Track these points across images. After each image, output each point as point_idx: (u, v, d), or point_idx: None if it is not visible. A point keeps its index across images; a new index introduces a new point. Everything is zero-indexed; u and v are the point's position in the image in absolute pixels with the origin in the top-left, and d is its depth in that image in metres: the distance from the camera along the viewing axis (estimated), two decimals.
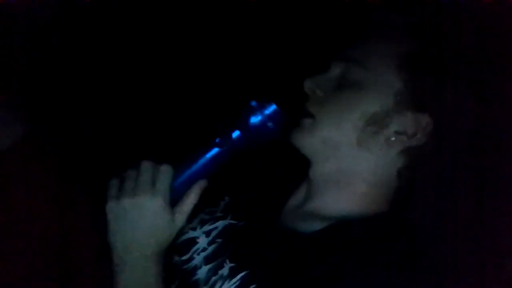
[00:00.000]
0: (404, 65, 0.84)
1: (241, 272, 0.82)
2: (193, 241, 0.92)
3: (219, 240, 0.90)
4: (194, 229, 0.94)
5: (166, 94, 1.58)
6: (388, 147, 0.84)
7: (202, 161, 0.85)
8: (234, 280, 0.82)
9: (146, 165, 0.82)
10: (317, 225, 0.83)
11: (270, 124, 0.85)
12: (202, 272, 0.88)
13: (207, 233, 0.92)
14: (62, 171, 1.17)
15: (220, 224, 0.92)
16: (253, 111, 0.86)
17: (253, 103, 0.86)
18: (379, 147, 0.84)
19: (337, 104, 0.85)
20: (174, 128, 1.56)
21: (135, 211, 0.79)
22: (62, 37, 1.28)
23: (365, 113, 0.83)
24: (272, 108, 0.86)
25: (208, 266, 0.88)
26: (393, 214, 0.84)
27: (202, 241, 0.91)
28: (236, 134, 0.86)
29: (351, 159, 0.84)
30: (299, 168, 0.90)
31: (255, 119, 0.85)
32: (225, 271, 0.84)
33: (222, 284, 0.83)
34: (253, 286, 0.80)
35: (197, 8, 1.55)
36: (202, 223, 0.94)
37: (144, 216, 0.80)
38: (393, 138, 0.83)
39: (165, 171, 0.82)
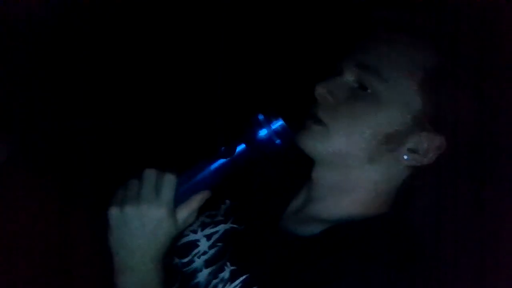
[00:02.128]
0: (427, 85, 0.81)
1: (242, 276, 0.82)
2: (193, 244, 0.92)
3: (219, 244, 0.90)
4: (195, 232, 0.93)
5: (170, 101, 1.58)
6: (398, 164, 0.83)
7: (206, 171, 0.84)
8: (235, 283, 0.82)
9: (149, 173, 0.81)
10: (317, 228, 0.83)
11: (277, 140, 0.83)
12: (203, 275, 0.88)
13: (208, 237, 0.92)
14: (52, 189, 1.17)
15: (221, 227, 0.92)
16: (260, 125, 0.83)
17: (260, 117, 0.84)
18: (390, 163, 0.83)
19: (352, 117, 0.82)
20: (178, 135, 1.56)
21: (137, 219, 0.79)
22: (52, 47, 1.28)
23: (381, 132, 0.81)
24: (279, 123, 0.83)
25: (209, 269, 0.87)
26: (393, 214, 0.84)
27: (203, 244, 0.91)
28: (241, 147, 0.84)
29: (359, 171, 0.83)
30: (300, 172, 0.90)
31: (261, 134, 0.83)
32: (225, 274, 0.84)
33: (223, 287, 0.83)
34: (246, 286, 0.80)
35: (202, 13, 1.55)
36: (203, 226, 0.94)
37: (147, 225, 0.79)
38: (405, 157, 0.82)
39: (169, 179, 0.81)
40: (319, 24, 1.45)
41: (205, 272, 0.88)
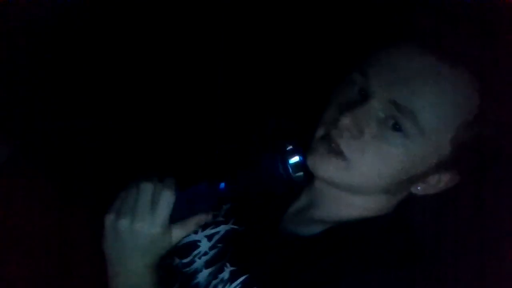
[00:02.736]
0: (462, 131, 0.74)
1: (241, 276, 0.82)
2: (194, 245, 0.92)
3: (220, 245, 0.90)
4: (195, 232, 0.93)
5: (170, 101, 1.58)
6: (408, 192, 0.81)
7: (206, 192, 0.82)
8: (235, 284, 0.82)
9: (146, 186, 0.78)
10: (318, 228, 0.82)
11: (298, 175, 0.81)
12: (203, 275, 0.88)
13: (209, 237, 0.92)
14: (53, 189, 1.17)
15: (222, 228, 0.92)
16: (285, 157, 0.81)
17: (289, 148, 0.81)
18: (402, 192, 0.81)
19: (377, 156, 0.76)
20: (178, 136, 1.56)
21: (131, 234, 0.77)
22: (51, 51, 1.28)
23: (404, 173, 0.77)
24: (296, 160, 0.80)
25: (209, 270, 0.87)
26: (393, 215, 0.84)
27: (204, 245, 0.91)
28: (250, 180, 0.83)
29: (369, 197, 0.81)
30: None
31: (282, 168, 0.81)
32: (225, 275, 0.84)
33: None
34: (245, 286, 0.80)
35: (203, 13, 1.55)
36: (204, 226, 0.93)
37: (140, 241, 0.78)
38: (419, 188, 0.79)
39: (166, 196, 0.78)
40: (330, 23, 1.43)
41: (205, 272, 0.88)
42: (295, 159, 0.81)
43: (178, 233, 0.80)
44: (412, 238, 0.81)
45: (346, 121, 0.75)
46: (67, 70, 1.41)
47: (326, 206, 0.85)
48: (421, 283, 0.77)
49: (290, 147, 0.82)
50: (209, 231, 0.92)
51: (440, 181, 0.79)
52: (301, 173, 0.81)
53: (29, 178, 1.16)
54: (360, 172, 0.77)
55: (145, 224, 0.77)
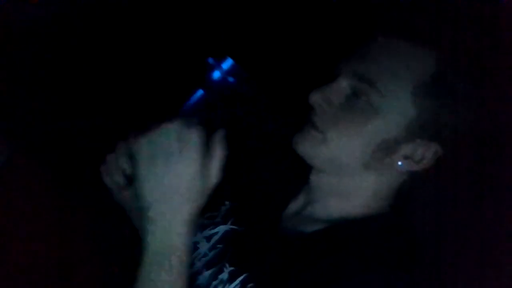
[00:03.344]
0: (421, 92, 0.80)
1: (240, 276, 0.82)
2: (193, 247, 0.92)
3: (219, 245, 0.90)
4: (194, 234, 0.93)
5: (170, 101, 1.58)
6: (393, 169, 0.83)
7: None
8: (234, 284, 0.82)
9: (169, 129, 0.76)
10: (317, 228, 0.83)
11: (230, 79, 0.84)
12: (204, 277, 0.88)
13: (208, 238, 0.92)
14: (53, 189, 1.17)
15: (220, 229, 0.92)
16: (211, 68, 0.84)
17: (210, 60, 0.84)
18: (385, 169, 0.83)
19: (347, 126, 0.82)
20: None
21: (172, 176, 0.74)
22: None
23: (375, 140, 0.81)
24: (229, 62, 0.84)
25: (209, 271, 0.87)
26: (393, 214, 0.84)
27: (203, 246, 0.91)
28: (199, 93, 0.84)
29: (355, 176, 0.83)
30: (299, 173, 0.90)
31: (214, 76, 0.84)
32: (224, 275, 0.84)
33: None
34: (251, 285, 0.80)
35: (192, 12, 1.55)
36: (202, 227, 0.93)
37: (183, 181, 0.74)
38: (400, 163, 0.82)
39: (193, 131, 0.76)
40: (313, 25, 1.44)
41: (206, 274, 0.88)
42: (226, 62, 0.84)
43: (214, 172, 0.77)
44: (412, 237, 0.81)
45: (314, 97, 0.83)
46: (67, 70, 1.41)
47: (323, 201, 0.86)
48: (421, 282, 0.77)
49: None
50: (207, 232, 0.93)
51: (416, 151, 0.81)
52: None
53: (29, 178, 1.16)
54: (335, 144, 0.82)
55: (184, 161, 0.74)
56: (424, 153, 0.81)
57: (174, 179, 0.74)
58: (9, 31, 1.15)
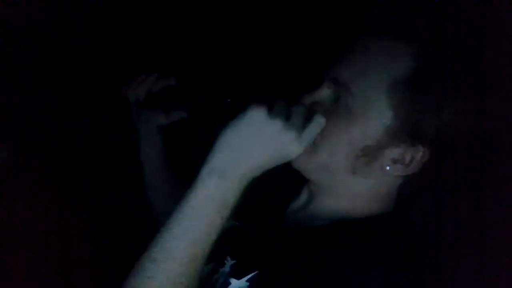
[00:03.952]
0: (396, 92, 0.76)
1: (242, 270, 0.82)
2: None
3: (221, 239, 0.90)
4: None
5: None
6: (383, 175, 0.81)
7: None
8: (235, 277, 0.82)
9: (300, 108, 0.79)
10: (319, 223, 0.83)
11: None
12: (204, 270, 0.88)
13: None
14: (53, 189, 1.17)
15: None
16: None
17: None
18: (375, 174, 0.81)
19: (330, 131, 0.80)
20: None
21: (275, 138, 0.76)
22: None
23: (357, 145, 0.79)
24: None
25: (210, 265, 0.88)
26: (393, 213, 0.84)
27: None
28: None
29: (346, 181, 0.82)
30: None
31: None
32: (226, 269, 0.84)
33: (223, 281, 0.83)
34: (254, 283, 0.80)
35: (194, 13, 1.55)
36: None
37: (279, 148, 0.77)
38: (388, 167, 0.79)
39: (320, 120, 0.78)
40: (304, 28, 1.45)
41: (206, 268, 0.88)
42: None
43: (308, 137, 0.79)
44: (413, 237, 0.81)
45: (301, 104, 0.81)
46: (67, 70, 1.41)
47: (323, 202, 0.85)
48: (421, 282, 0.77)
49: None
50: None
51: (403, 154, 0.78)
52: None
53: (29, 178, 1.16)
54: (323, 150, 0.80)
55: (293, 140, 0.76)
56: (412, 157, 0.78)
57: (278, 141, 0.76)
58: (9, 30, 1.15)
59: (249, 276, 0.80)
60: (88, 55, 1.47)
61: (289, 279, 0.76)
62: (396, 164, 0.79)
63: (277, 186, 0.95)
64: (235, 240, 0.88)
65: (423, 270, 0.78)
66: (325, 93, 0.82)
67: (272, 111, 0.76)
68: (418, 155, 0.78)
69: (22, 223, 1.12)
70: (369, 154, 0.79)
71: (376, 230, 0.80)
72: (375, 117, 0.77)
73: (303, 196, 0.90)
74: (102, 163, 1.48)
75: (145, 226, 0.95)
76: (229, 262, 0.84)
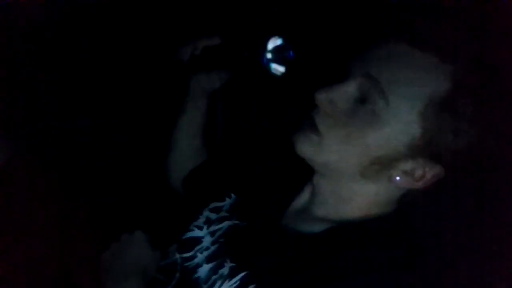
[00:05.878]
0: (430, 112, 0.74)
1: (240, 272, 0.82)
2: (197, 240, 0.92)
3: (222, 240, 0.90)
4: (200, 228, 0.93)
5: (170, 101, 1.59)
6: (390, 183, 0.79)
7: None
8: (234, 280, 0.81)
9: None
10: (319, 227, 0.82)
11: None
12: (203, 270, 0.88)
13: (212, 233, 0.92)
14: (53, 189, 1.17)
15: (225, 224, 0.92)
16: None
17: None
18: (382, 181, 0.79)
19: (346, 132, 0.77)
20: None
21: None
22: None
23: (374, 152, 0.77)
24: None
25: (210, 265, 0.87)
26: (394, 215, 0.84)
27: (206, 240, 0.91)
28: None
29: (352, 183, 0.81)
30: (304, 171, 0.89)
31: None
32: (225, 270, 0.84)
33: (222, 283, 0.82)
34: (252, 286, 0.80)
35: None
36: (209, 223, 0.94)
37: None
38: (398, 178, 0.78)
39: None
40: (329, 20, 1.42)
41: (206, 267, 0.88)
42: (275, 42, 0.83)
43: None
44: (414, 240, 0.81)
45: (320, 97, 0.78)
46: (68, 70, 1.41)
47: (324, 203, 0.85)
48: (421, 283, 0.77)
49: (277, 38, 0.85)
50: (213, 228, 0.93)
51: (416, 169, 0.77)
52: (281, 68, 0.83)
53: (29, 178, 1.16)
54: (331, 149, 0.78)
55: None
56: (424, 173, 0.77)
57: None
58: (10, 31, 1.15)
59: (239, 276, 0.81)
60: (88, 55, 1.47)
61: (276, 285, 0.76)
62: (406, 177, 0.78)
63: (279, 183, 0.95)
64: (235, 242, 0.88)
65: (423, 273, 0.78)
66: (351, 91, 0.78)
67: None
68: (431, 172, 0.77)
69: (22, 223, 1.12)
70: (384, 163, 0.77)
71: (377, 233, 0.80)
72: (401, 130, 0.75)
73: (305, 195, 0.90)
74: (102, 163, 1.48)
75: (145, 226, 0.95)
76: (228, 264, 0.84)
